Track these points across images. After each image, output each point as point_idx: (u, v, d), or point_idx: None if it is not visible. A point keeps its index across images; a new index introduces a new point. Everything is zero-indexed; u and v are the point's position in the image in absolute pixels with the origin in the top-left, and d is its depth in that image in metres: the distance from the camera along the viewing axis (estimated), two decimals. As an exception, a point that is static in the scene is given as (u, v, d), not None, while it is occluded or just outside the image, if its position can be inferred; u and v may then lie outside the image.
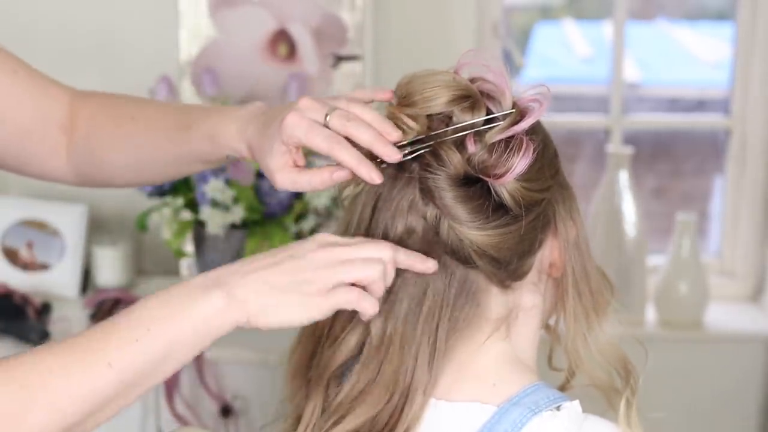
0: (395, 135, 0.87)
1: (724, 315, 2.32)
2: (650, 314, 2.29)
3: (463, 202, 0.86)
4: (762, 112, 2.33)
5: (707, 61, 6.94)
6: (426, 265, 0.87)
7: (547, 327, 1.00)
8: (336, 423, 0.87)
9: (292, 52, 2.08)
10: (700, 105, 5.72)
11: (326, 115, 0.88)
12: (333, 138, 0.87)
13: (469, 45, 2.17)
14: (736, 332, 2.29)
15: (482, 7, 2.24)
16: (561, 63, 7.12)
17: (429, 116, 0.88)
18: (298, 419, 0.89)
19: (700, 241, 2.29)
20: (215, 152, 1.00)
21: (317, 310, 0.84)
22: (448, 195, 0.87)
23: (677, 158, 5.71)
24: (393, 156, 0.86)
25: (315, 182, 0.91)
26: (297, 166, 0.92)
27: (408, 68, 0.91)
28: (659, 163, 5.57)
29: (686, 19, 8.04)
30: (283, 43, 2.08)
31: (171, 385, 1.70)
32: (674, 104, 6.04)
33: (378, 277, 0.85)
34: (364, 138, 0.87)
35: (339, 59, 2.09)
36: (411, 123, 0.87)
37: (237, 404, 1.74)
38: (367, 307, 0.85)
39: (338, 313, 0.93)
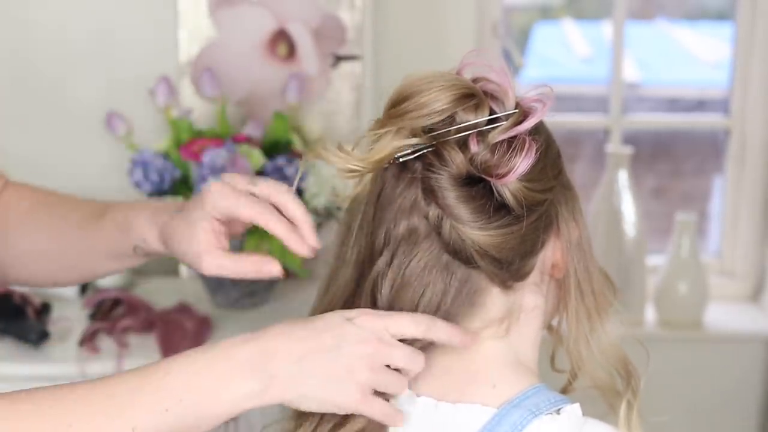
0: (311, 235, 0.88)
1: (724, 315, 2.32)
2: (650, 314, 2.29)
3: (465, 202, 0.86)
4: (762, 112, 2.33)
5: (707, 61, 6.95)
6: (465, 339, 0.86)
7: (549, 328, 0.99)
8: (339, 425, 0.87)
9: (291, 52, 2.08)
10: (699, 105, 5.73)
11: (251, 184, 0.88)
12: (262, 205, 0.86)
13: (468, 45, 2.17)
14: (736, 332, 2.30)
15: (482, 7, 2.24)
16: (561, 63, 7.13)
17: (430, 122, 0.88)
18: (299, 420, 0.89)
19: (699, 241, 2.30)
20: (124, 241, 0.97)
21: (353, 409, 0.83)
22: (450, 195, 0.86)
23: (677, 158, 5.71)
24: (313, 244, 0.87)
25: (242, 269, 0.88)
26: (221, 248, 0.90)
27: (408, 68, 0.90)
28: (659, 163, 5.58)
29: (686, 19, 8.05)
30: (282, 42, 2.08)
31: (171, 386, 1.70)
32: (674, 104, 6.05)
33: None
34: (297, 212, 0.87)
35: (339, 59, 2.09)
36: (410, 141, 0.87)
37: (237, 404, 1.74)
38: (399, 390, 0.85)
39: None
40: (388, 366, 0.84)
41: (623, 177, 2.22)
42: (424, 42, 2.18)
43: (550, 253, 0.93)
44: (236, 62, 2.08)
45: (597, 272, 0.96)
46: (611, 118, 2.38)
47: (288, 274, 2.01)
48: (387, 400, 0.85)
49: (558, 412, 0.87)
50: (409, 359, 0.84)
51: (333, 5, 2.06)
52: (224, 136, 1.86)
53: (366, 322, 0.83)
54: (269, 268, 0.87)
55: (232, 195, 0.87)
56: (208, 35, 2.07)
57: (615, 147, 2.29)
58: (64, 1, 2.10)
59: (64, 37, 2.10)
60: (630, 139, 2.41)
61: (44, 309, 1.84)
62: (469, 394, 0.89)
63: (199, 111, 2.05)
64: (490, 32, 2.27)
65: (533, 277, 0.92)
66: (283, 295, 1.97)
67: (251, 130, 1.94)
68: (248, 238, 1.81)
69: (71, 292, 1.99)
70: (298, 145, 1.92)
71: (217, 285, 1.89)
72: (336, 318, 0.83)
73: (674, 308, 2.25)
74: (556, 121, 2.47)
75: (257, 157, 1.82)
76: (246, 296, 1.90)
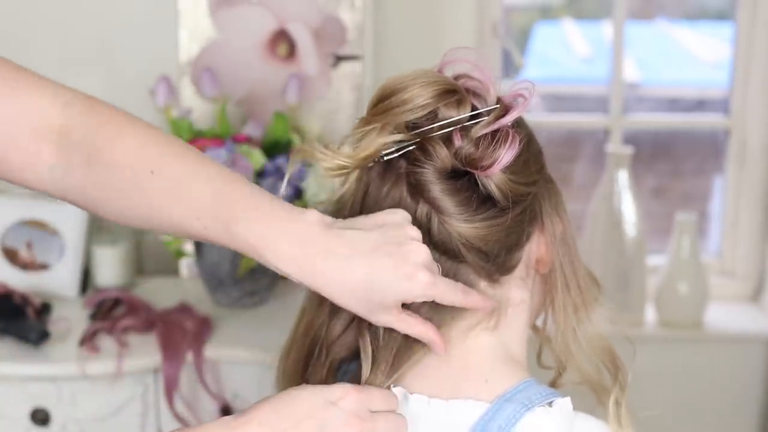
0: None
1: (724, 315, 2.32)
2: (650, 314, 2.29)
3: (450, 195, 0.87)
4: (762, 112, 2.33)
5: (707, 61, 6.95)
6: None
7: (534, 328, 1.00)
8: None
9: (291, 52, 2.08)
10: (699, 105, 5.73)
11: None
12: (462, 288, 0.88)
13: (468, 45, 2.17)
14: (736, 332, 2.30)
15: (482, 7, 2.24)
16: (561, 63, 7.13)
17: (413, 117, 0.88)
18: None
19: (700, 241, 2.30)
20: (253, 255, 0.85)
21: None
22: (435, 188, 0.87)
23: (677, 158, 5.71)
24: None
25: (417, 331, 0.87)
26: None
27: (408, 68, 0.91)
28: (659, 163, 5.58)
29: (686, 19, 8.05)
30: (282, 42, 2.08)
31: (170, 385, 1.70)
32: (674, 104, 6.05)
33: None
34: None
35: (339, 59, 2.09)
36: (395, 138, 0.87)
37: (237, 404, 1.74)
38: None
39: (336, 314, 0.93)
40: None
41: (623, 177, 2.22)
42: (424, 42, 2.18)
43: (534, 247, 0.95)
44: (236, 62, 2.08)
45: (582, 267, 0.97)
46: (611, 118, 2.38)
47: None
48: None
49: (550, 404, 0.88)
50: (394, 427, 0.84)
51: (333, 5, 2.06)
52: (224, 136, 1.86)
53: (350, 404, 0.82)
54: (437, 340, 0.88)
55: (438, 283, 0.85)
56: (208, 35, 2.07)
57: (615, 147, 2.30)
58: (65, 2, 2.11)
59: (64, 36, 2.10)
60: (630, 139, 2.41)
61: (44, 309, 1.84)
62: (462, 389, 0.90)
63: (199, 111, 2.05)
64: (490, 32, 2.27)
65: (519, 271, 0.93)
66: (283, 295, 1.97)
67: (251, 130, 1.94)
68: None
69: (71, 292, 1.99)
70: (298, 145, 1.92)
71: (217, 285, 1.89)
72: (318, 401, 0.82)
73: (674, 308, 2.25)
74: (556, 121, 2.48)
75: (257, 157, 1.82)
76: (246, 296, 1.90)
